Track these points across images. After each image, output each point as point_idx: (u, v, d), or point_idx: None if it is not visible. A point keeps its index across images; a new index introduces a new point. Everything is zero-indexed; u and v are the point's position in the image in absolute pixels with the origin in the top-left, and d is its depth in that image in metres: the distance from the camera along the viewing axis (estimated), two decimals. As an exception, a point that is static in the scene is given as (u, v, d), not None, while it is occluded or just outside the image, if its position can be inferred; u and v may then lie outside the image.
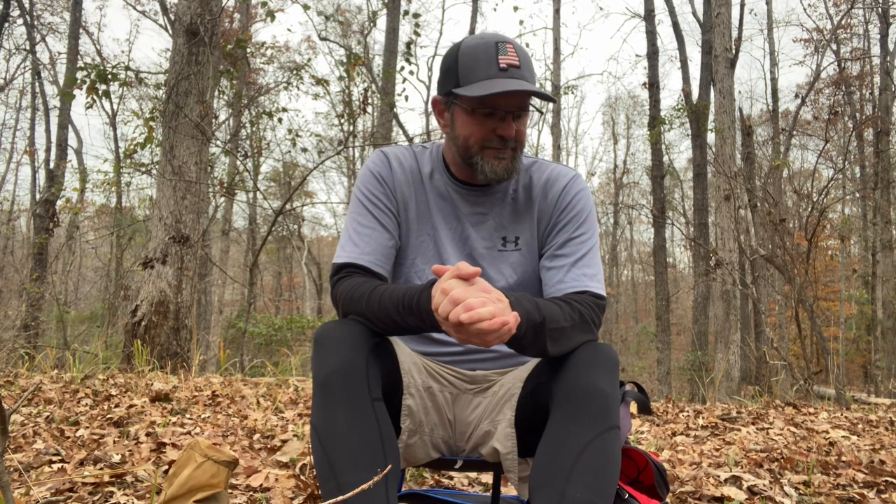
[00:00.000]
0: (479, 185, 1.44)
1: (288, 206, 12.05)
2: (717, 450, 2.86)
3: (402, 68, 10.33)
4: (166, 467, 2.13)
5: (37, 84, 16.29)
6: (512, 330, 1.09)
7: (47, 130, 15.37)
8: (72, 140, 17.01)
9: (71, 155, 16.47)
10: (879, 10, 15.89)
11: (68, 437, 2.50)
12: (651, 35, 15.44)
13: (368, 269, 1.36)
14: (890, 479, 2.35)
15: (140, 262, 5.90)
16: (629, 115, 30.15)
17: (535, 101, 1.36)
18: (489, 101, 1.31)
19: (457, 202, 1.45)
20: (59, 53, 17.14)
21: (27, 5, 14.94)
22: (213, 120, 8.72)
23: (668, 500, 1.94)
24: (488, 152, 1.35)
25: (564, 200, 1.42)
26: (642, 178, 28.67)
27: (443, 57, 1.40)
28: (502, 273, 1.44)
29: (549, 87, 14.50)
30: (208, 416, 3.06)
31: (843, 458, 2.66)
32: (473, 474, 2.34)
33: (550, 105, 16.81)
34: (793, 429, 3.40)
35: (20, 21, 15.09)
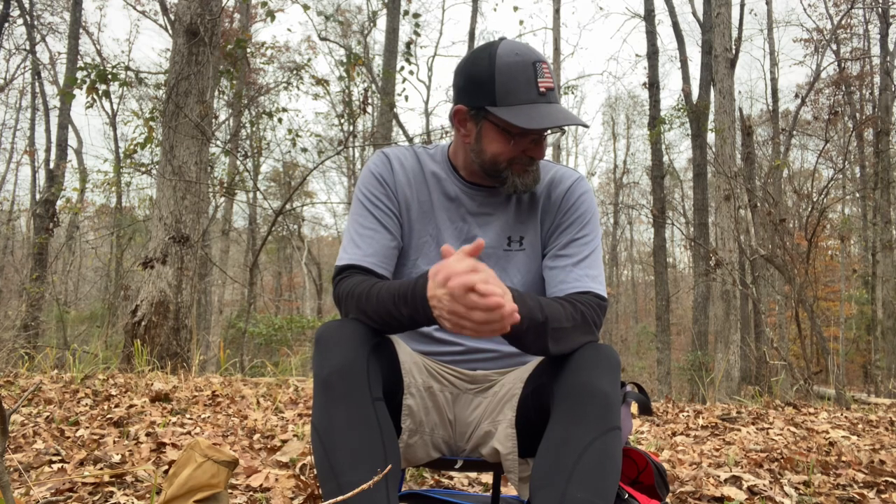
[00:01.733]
0: (486, 186, 1.44)
1: (288, 206, 12.05)
2: (717, 450, 2.86)
3: (402, 68, 10.35)
4: (166, 467, 2.13)
5: (37, 84, 16.29)
6: (505, 315, 1.06)
7: (47, 130, 15.37)
8: (72, 140, 17.02)
9: (71, 155, 16.48)
10: (879, 10, 15.89)
11: (68, 437, 2.50)
12: (651, 35, 15.44)
13: (371, 270, 1.36)
14: (890, 479, 2.35)
15: (140, 262, 5.90)
16: (629, 115, 30.18)
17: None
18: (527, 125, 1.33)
19: (464, 202, 1.45)
20: (59, 53, 17.15)
21: (27, 5, 14.93)
22: (213, 120, 8.72)
23: (668, 500, 1.94)
24: (517, 168, 1.37)
25: (569, 201, 1.43)
26: (642, 178, 28.69)
27: (469, 65, 1.36)
28: (507, 273, 1.44)
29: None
30: (208, 416, 3.06)
31: (843, 458, 2.66)
32: (473, 474, 2.34)
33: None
34: (793, 429, 3.40)
35: (20, 21, 15.09)
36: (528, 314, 1.17)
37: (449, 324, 1.10)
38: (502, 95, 1.30)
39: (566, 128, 1.35)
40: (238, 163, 11.95)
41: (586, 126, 1.29)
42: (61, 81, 15.40)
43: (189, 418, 3.00)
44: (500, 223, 1.45)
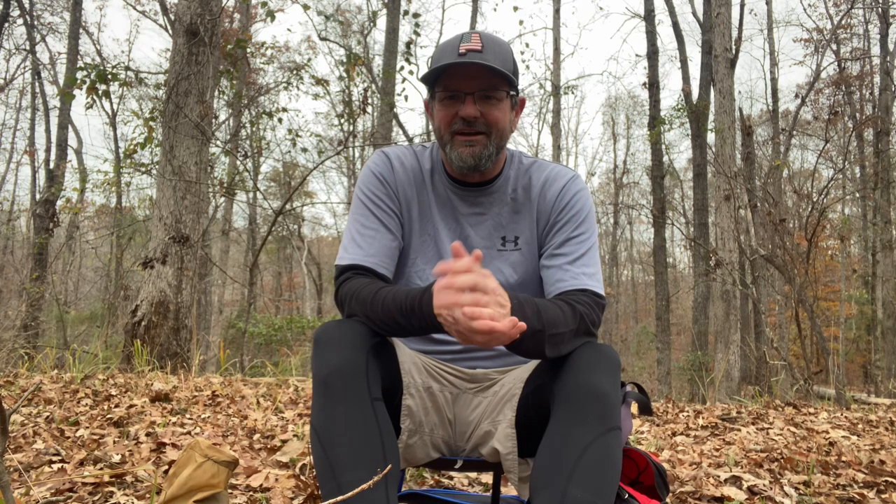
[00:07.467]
0: (476, 185, 1.44)
1: (288, 206, 12.05)
2: (717, 450, 2.86)
3: (402, 68, 10.34)
4: (166, 467, 2.13)
5: (37, 84, 16.27)
6: (500, 331, 1.07)
7: (47, 130, 15.35)
8: (72, 140, 17.01)
9: (71, 155, 16.47)
10: (879, 10, 15.89)
11: (68, 437, 2.50)
12: (651, 35, 15.43)
13: (373, 270, 1.36)
14: (890, 479, 2.35)
15: (140, 262, 5.90)
16: (629, 115, 30.15)
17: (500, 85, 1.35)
18: (448, 83, 1.33)
19: (455, 203, 1.45)
20: (59, 53, 17.15)
21: (27, 5, 14.92)
22: (213, 120, 8.71)
23: (668, 500, 1.94)
24: (458, 139, 1.36)
25: (563, 200, 1.43)
26: (642, 178, 28.67)
27: None
28: (502, 273, 1.44)
29: (549, 87, 14.50)
30: (208, 416, 3.06)
31: (843, 458, 2.66)
32: (473, 474, 2.34)
33: (550, 104, 16.79)
34: (793, 429, 3.40)
35: (20, 21, 15.08)
36: (526, 324, 1.16)
37: (460, 338, 1.12)
38: (432, 67, 1.35)
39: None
40: (238, 163, 11.95)
41: (506, 77, 1.29)
42: (61, 81, 15.39)
43: (189, 418, 3.00)
44: (492, 223, 1.45)
